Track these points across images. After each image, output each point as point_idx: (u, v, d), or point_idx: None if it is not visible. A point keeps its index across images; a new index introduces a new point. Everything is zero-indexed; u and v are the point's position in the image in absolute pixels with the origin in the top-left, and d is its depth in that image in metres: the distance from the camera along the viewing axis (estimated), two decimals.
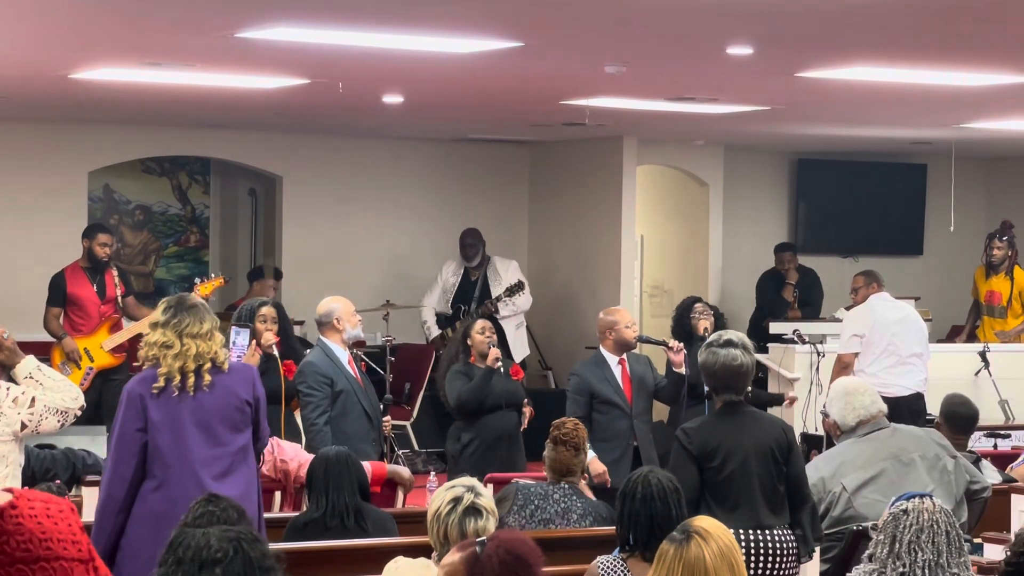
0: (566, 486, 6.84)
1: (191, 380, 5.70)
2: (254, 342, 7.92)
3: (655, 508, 5.20)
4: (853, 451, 6.69)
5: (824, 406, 7.01)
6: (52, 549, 1.92)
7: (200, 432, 5.71)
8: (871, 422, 6.77)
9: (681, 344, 8.87)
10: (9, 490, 1.94)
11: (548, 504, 6.74)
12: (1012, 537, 6.84)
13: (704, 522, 4.15)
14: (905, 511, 4.59)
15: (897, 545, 4.54)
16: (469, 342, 9.04)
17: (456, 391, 8.93)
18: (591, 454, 8.29)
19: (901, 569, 4.52)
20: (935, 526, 4.57)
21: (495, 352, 8.88)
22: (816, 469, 6.68)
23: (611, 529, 6.42)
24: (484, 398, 8.85)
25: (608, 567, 5.15)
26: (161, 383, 5.69)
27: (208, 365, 5.74)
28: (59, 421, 5.88)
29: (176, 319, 5.74)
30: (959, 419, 8.14)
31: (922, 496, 4.66)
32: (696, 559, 3.99)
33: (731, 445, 6.11)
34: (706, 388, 8.56)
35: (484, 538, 4.00)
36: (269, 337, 8.13)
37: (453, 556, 4.00)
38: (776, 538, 6.11)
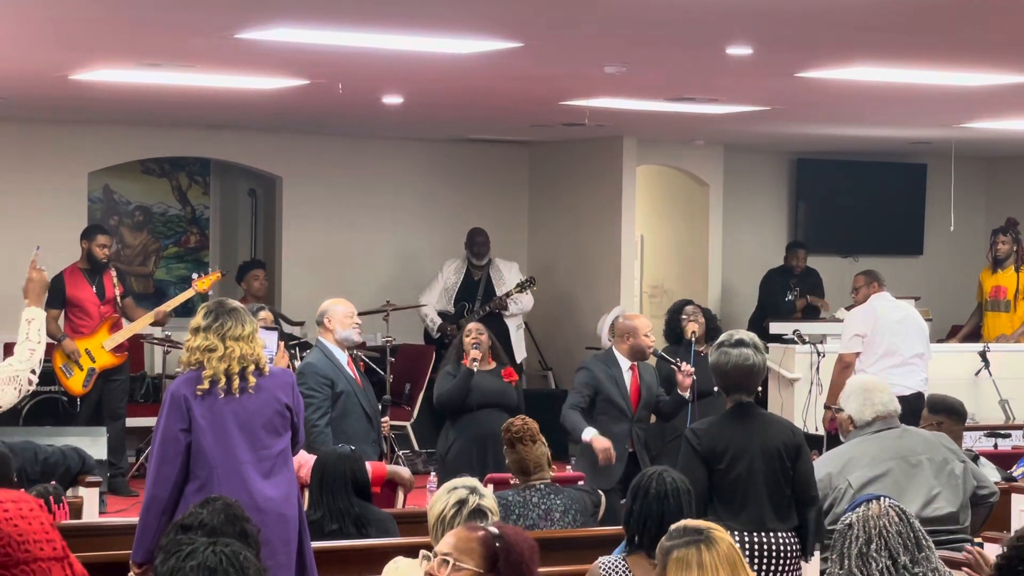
0: (541, 485, 6.83)
1: (236, 382, 5.73)
2: (282, 344, 7.87)
3: (668, 506, 5.18)
4: (861, 449, 6.68)
5: (838, 401, 6.99)
6: (30, 551, 1.90)
7: (243, 434, 5.74)
8: (885, 420, 6.77)
9: (692, 369, 8.85)
10: None
11: (528, 510, 6.74)
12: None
13: (694, 522, 4.12)
14: (850, 525, 4.55)
15: (847, 561, 4.50)
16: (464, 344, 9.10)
17: (439, 390, 9.02)
18: (591, 431, 8.32)
19: None
20: (884, 530, 4.52)
21: (473, 353, 8.91)
22: (824, 465, 6.68)
23: (610, 529, 6.44)
24: (463, 397, 8.89)
25: (610, 567, 5.14)
26: (206, 385, 5.71)
27: (252, 367, 5.77)
28: (16, 389, 5.77)
29: (218, 322, 5.77)
30: (957, 410, 8.16)
31: (870, 500, 4.62)
32: (729, 549, 3.95)
33: (739, 447, 6.11)
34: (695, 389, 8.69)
35: (495, 529, 4.06)
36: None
37: (464, 534, 4.04)
38: (779, 540, 6.11)
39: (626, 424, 8.63)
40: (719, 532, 3.96)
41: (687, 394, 8.69)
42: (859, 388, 6.88)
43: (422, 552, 4.25)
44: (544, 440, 7.00)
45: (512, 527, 4.19)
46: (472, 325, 9.22)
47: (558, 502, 6.78)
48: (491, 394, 8.96)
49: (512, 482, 7.09)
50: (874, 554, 4.47)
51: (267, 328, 7.83)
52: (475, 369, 8.88)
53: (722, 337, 6.44)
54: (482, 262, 13.57)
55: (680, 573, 3.87)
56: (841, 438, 6.93)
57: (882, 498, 4.62)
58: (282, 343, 7.90)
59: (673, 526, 4.06)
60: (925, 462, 6.66)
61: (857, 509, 4.57)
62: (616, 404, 8.62)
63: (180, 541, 3.47)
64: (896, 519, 4.53)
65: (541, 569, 4.21)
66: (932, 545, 4.60)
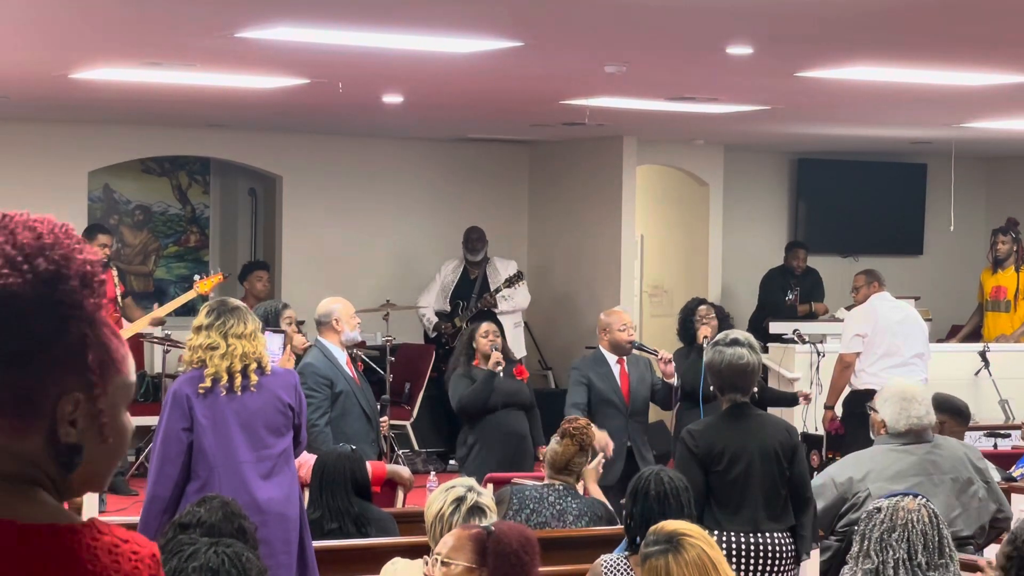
0: (561, 487, 6.84)
1: (238, 380, 5.74)
2: (288, 348, 7.83)
3: (668, 506, 5.19)
4: (885, 460, 6.56)
5: (874, 401, 6.85)
6: None
7: (244, 434, 5.75)
8: (918, 434, 6.60)
9: (670, 355, 8.88)
10: (92, 519, 1.91)
11: (543, 507, 6.75)
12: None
13: (672, 525, 4.13)
14: (878, 509, 4.55)
15: (866, 543, 4.50)
16: (474, 345, 9.07)
17: (458, 394, 8.97)
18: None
19: (868, 566, 4.48)
20: (910, 524, 4.51)
21: (497, 356, 8.91)
22: (846, 468, 6.57)
23: (611, 529, 6.44)
24: (486, 400, 8.88)
25: (612, 566, 5.13)
26: (208, 383, 5.72)
27: (254, 366, 5.78)
28: None
29: (220, 321, 5.78)
30: (962, 412, 8.14)
31: (905, 495, 4.62)
32: (699, 557, 3.98)
33: (737, 448, 6.10)
34: (703, 391, 8.66)
35: (491, 527, 4.10)
36: (301, 340, 8.10)
37: (458, 534, 4.09)
38: (775, 542, 6.11)
39: (621, 419, 8.65)
40: (691, 538, 4.01)
41: (673, 380, 8.72)
42: (897, 395, 6.67)
43: (424, 557, 4.29)
44: (592, 454, 7.00)
45: (509, 523, 4.22)
46: (488, 326, 9.21)
47: (573, 506, 6.79)
48: (509, 394, 9.00)
49: (515, 481, 7.11)
50: (893, 543, 4.47)
51: (273, 331, 7.79)
52: (500, 373, 8.90)
53: (717, 336, 6.43)
54: (477, 258, 13.58)
55: None
56: (872, 436, 6.83)
57: (918, 496, 4.62)
58: (288, 346, 7.86)
59: (652, 528, 4.10)
60: (948, 482, 6.52)
61: (892, 498, 4.58)
62: (609, 400, 8.66)
63: (182, 541, 3.48)
64: (926, 519, 4.53)
65: (543, 568, 4.21)
66: (955, 556, 4.58)
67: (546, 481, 6.91)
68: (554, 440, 6.96)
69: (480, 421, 8.96)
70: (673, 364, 8.78)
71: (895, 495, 4.63)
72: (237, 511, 4.54)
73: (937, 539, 4.53)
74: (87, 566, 1.84)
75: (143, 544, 1.91)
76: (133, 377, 1.99)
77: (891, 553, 4.47)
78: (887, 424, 6.63)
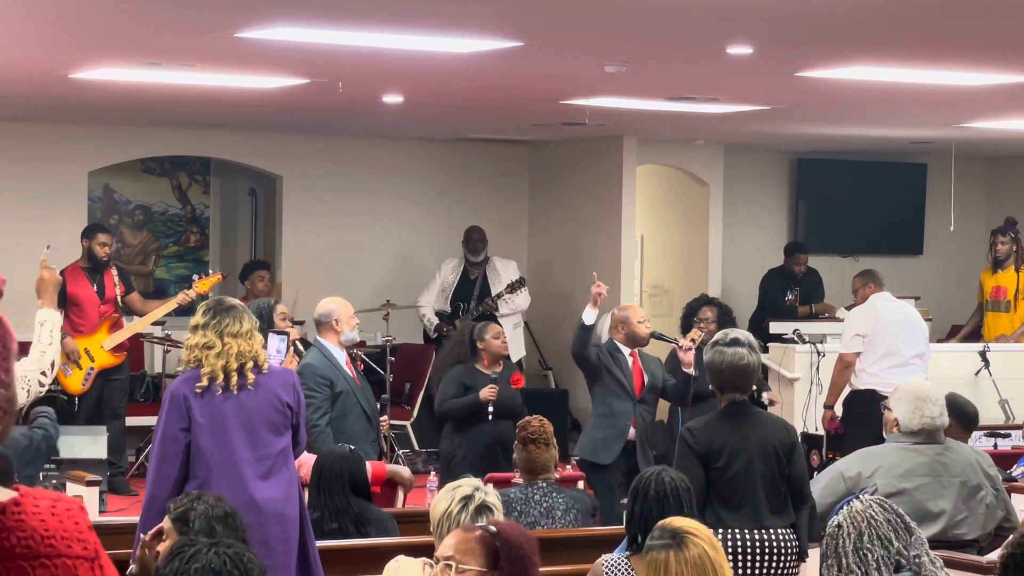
0: (544, 484, 6.87)
1: (234, 379, 5.74)
2: (291, 349, 7.83)
3: (668, 506, 5.20)
4: (895, 458, 6.56)
5: (889, 400, 6.85)
6: (55, 546, 1.93)
7: (243, 433, 5.75)
8: (930, 434, 6.59)
9: (691, 344, 8.83)
10: (16, 488, 1.96)
11: (530, 507, 6.77)
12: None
13: (679, 522, 4.14)
14: (839, 525, 4.53)
15: (844, 560, 4.49)
16: (481, 345, 9.06)
17: (446, 398, 8.98)
18: (587, 309, 8.48)
19: None
20: (872, 520, 4.51)
21: (492, 392, 8.87)
22: (854, 463, 6.59)
23: (611, 529, 6.45)
24: (466, 416, 8.91)
25: (612, 565, 5.14)
26: (205, 382, 5.72)
27: (250, 364, 5.78)
28: (24, 389, 5.73)
29: (216, 320, 5.79)
30: (969, 418, 8.12)
31: (850, 501, 4.62)
32: (700, 557, 3.98)
33: (736, 445, 6.12)
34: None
35: (490, 526, 4.10)
36: (295, 333, 8.11)
37: (462, 535, 4.08)
38: (779, 537, 6.12)
39: (629, 403, 8.65)
40: (695, 537, 4.01)
41: (692, 371, 8.61)
42: (912, 395, 6.66)
43: (423, 560, 4.27)
44: (556, 443, 7.05)
45: (508, 523, 4.22)
46: (499, 329, 9.25)
47: (560, 500, 6.81)
48: (503, 405, 9.00)
49: (515, 480, 7.12)
50: (868, 546, 4.46)
51: (277, 332, 7.78)
52: (491, 413, 8.92)
53: (716, 336, 6.43)
54: (478, 259, 13.58)
55: (651, 575, 4.02)
56: (884, 435, 6.83)
57: (862, 495, 4.63)
58: (292, 348, 7.85)
59: (658, 524, 4.12)
60: (957, 485, 6.50)
61: (841, 511, 4.57)
62: (620, 382, 8.67)
63: (181, 543, 3.48)
64: (880, 509, 4.53)
65: (542, 569, 4.22)
66: (915, 525, 4.59)
67: (526, 481, 6.94)
68: (518, 450, 6.99)
69: (470, 427, 8.98)
70: (693, 352, 8.71)
71: (840, 508, 4.61)
72: (232, 509, 4.57)
73: (901, 522, 4.53)
74: (40, 532, 1.89)
75: (70, 499, 1.98)
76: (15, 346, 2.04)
77: (871, 556, 4.46)
78: (900, 422, 6.63)
